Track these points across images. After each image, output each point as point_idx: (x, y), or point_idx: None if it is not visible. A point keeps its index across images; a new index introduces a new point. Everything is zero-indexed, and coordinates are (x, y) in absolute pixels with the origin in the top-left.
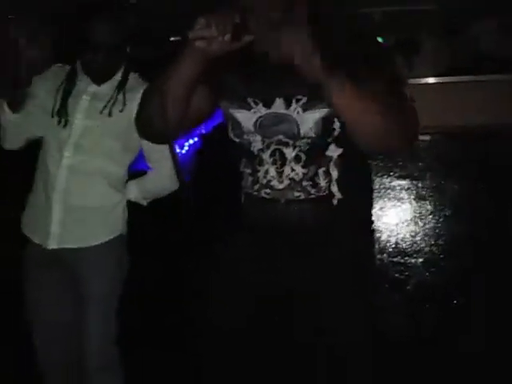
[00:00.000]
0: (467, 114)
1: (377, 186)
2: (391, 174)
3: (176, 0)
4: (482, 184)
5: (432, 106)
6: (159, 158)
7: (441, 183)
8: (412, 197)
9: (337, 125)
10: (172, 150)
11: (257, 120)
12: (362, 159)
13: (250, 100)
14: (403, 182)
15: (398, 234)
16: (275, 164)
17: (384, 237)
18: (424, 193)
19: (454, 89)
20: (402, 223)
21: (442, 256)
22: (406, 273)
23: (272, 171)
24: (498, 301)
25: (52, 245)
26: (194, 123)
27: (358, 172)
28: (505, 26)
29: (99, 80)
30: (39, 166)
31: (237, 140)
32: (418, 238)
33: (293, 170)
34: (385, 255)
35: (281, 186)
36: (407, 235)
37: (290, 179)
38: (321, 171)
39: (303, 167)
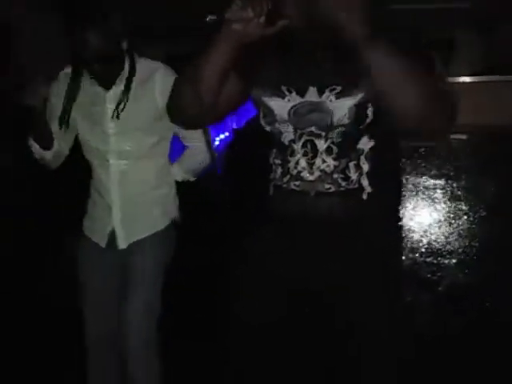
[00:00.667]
0: (503, 114)
1: (411, 186)
2: (426, 173)
3: None
4: None
5: (468, 105)
6: (193, 136)
7: (476, 183)
8: (447, 197)
9: (370, 110)
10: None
11: (291, 109)
12: (394, 154)
13: (283, 88)
14: (438, 182)
15: (431, 234)
16: (306, 155)
17: (417, 237)
18: (459, 193)
19: (490, 88)
20: (436, 223)
21: (475, 257)
22: (439, 273)
23: (303, 162)
24: None
25: (122, 245)
26: (225, 110)
27: (388, 166)
28: None
29: (107, 85)
30: (92, 170)
31: (268, 128)
32: (451, 239)
33: (324, 161)
34: (417, 255)
35: (311, 178)
36: (441, 235)
37: (321, 171)
38: (352, 164)
39: (335, 159)
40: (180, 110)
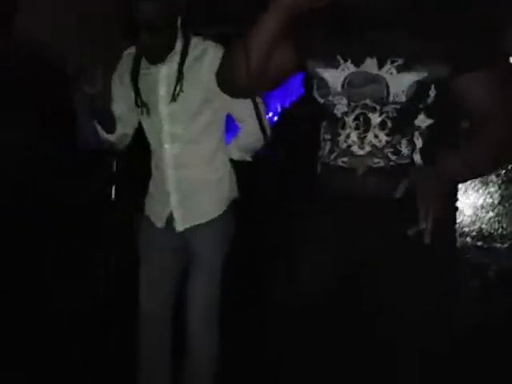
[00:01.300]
0: None
1: None
2: None
3: None
4: None
5: None
6: (247, 110)
7: None
8: (499, 179)
9: (433, 92)
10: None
11: (345, 79)
12: (452, 133)
13: (338, 56)
14: None
15: (482, 217)
16: (358, 129)
17: (468, 220)
18: None
19: None
20: (488, 206)
21: None
22: (489, 258)
23: (354, 136)
24: None
25: (179, 228)
26: (275, 79)
27: (444, 144)
28: None
29: (159, 60)
30: (152, 153)
31: (321, 100)
32: (504, 223)
33: (376, 136)
34: (468, 239)
35: (361, 152)
36: (492, 219)
37: (372, 146)
38: (405, 140)
39: (387, 135)
40: (230, 77)
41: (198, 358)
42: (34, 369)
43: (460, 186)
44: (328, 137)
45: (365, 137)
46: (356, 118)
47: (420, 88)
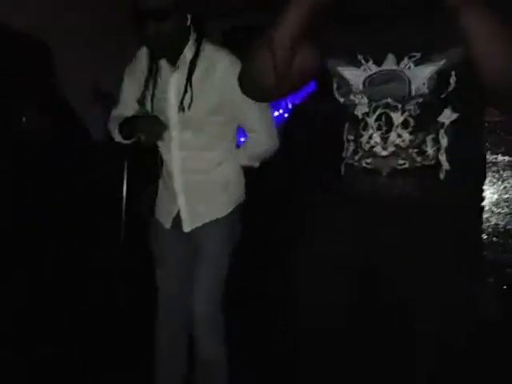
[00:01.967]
0: None
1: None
2: (494, 149)
3: None
4: None
5: None
6: (256, 119)
7: None
8: None
9: (453, 79)
10: (266, 110)
11: (366, 78)
12: (477, 129)
13: (360, 57)
14: (507, 158)
15: (499, 213)
16: (380, 129)
17: (484, 215)
18: None
19: None
20: (504, 202)
21: None
22: (505, 254)
23: (376, 137)
24: None
25: (186, 229)
26: (298, 82)
27: (470, 142)
28: None
29: (169, 56)
30: (161, 154)
31: (341, 100)
32: None
33: (399, 136)
34: (483, 235)
35: (384, 153)
36: (509, 215)
37: (395, 146)
38: (429, 138)
39: (411, 133)
40: (250, 77)
41: (206, 364)
42: (35, 369)
43: None
44: (351, 137)
45: (388, 137)
46: (378, 119)
47: (440, 77)
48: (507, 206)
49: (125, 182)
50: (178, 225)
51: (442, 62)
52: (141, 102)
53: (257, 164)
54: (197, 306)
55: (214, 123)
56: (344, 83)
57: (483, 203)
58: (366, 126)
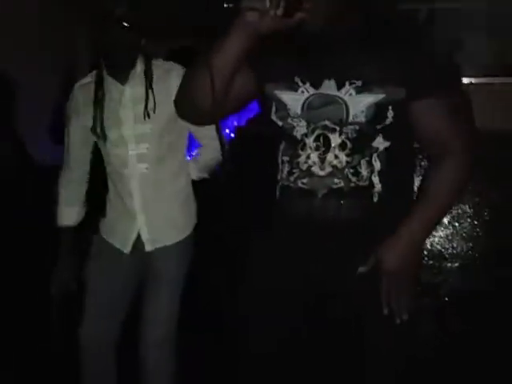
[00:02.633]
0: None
1: (415, 187)
2: None
3: None
4: None
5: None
6: (207, 134)
7: (481, 187)
8: None
9: (390, 113)
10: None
11: (304, 102)
12: (409, 156)
13: (297, 79)
14: None
15: (433, 236)
16: (318, 150)
17: None
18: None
19: (498, 90)
20: (439, 226)
21: (478, 262)
22: (440, 277)
23: (314, 157)
24: None
25: (148, 248)
26: (234, 106)
27: (401, 167)
28: None
29: (118, 73)
30: (109, 176)
31: (280, 123)
32: (454, 242)
33: (336, 157)
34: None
35: (322, 173)
36: (443, 238)
37: (333, 166)
38: (364, 161)
39: (347, 155)
40: (189, 104)
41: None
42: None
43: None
44: (287, 158)
45: (325, 157)
46: (316, 139)
47: (378, 109)
48: (441, 230)
49: None
50: (136, 246)
51: (382, 96)
52: (93, 129)
53: (206, 175)
54: (153, 330)
55: (172, 133)
56: (282, 107)
57: None
58: (304, 147)
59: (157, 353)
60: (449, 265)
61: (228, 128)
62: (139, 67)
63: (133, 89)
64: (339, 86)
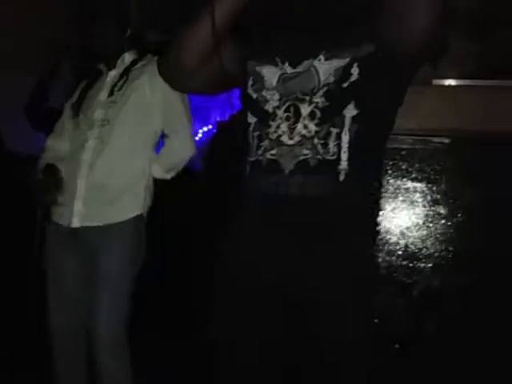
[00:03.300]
0: (491, 119)
1: (391, 188)
2: (406, 175)
3: None
4: (500, 192)
5: (454, 109)
6: (177, 125)
7: (457, 188)
8: (426, 200)
9: (355, 70)
10: (188, 117)
11: (280, 76)
12: (378, 132)
13: (277, 59)
14: (418, 185)
15: (408, 237)
16: (288, 120)
17: (394, 239)
18: (439, 197)
19: (478, 92)
20: (414, 226)
21: (451, 263)
22: (414, 277)
23: (284, 127)
24: (507, 311)
25: (75, 224)
26: (221, 85)
27: (371, 148)
28: None
29: (110, 61)
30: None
31: (254, 96)
32: (428, 243)
33: (306, 127)
34: (393, 258)
35: (291, 142)
36: (418, 239)
37: (302, 136)
38: (334, 132)
39: (317, 125)
40: (172, 62)
41: None
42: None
43: (387, 206)
44: (257, 133)
45: (295, 127)
46: (286, 110)
47: (344, 69)
48: (416, 231)
49: None
50: (75, 235)
51: (348, 58)
52: (74, 107)
53: (169, 176)
54: (97, 329)
55: (136, 123)
56: (259, 79)
57: (387, 226)
58: (274, 118)
59: (104, 357)
60: (422, 265)
61: (211, 124)
62: (128, 57)
63: (117, 72)
64: (313, 60)
